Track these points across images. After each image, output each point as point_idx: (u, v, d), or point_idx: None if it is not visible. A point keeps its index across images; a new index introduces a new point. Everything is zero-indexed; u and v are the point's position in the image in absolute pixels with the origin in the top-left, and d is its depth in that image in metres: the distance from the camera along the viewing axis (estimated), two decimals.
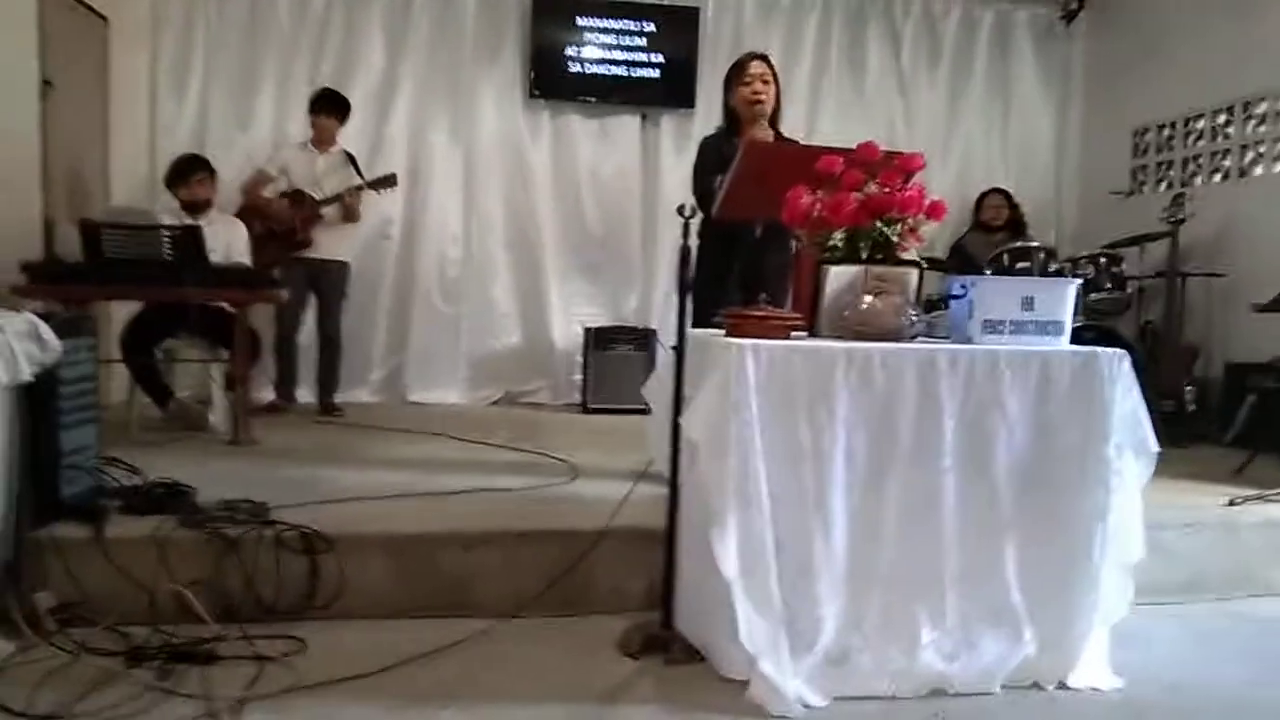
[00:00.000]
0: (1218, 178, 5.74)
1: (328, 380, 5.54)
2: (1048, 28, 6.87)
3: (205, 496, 2.99)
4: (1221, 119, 5.70)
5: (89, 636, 2.47)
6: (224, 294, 4.30)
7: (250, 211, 5.31)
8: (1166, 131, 6.12)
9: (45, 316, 2.78)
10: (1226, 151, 5.67)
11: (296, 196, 5.34)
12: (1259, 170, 5.46)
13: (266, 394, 5.53)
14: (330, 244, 5.42)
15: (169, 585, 2.60)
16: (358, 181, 5.36)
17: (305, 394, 5.64)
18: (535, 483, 3.54)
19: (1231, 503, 3.48)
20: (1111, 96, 6.61)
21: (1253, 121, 5.49)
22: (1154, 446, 2.44)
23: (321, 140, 5.47)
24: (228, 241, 4.81)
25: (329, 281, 5.46)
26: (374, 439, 4.68)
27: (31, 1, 4.71)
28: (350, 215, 5.39)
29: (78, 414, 2.92)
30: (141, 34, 5.93)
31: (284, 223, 5.27)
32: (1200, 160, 5.85)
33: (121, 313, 4.91)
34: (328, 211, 5.33)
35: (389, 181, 5.43)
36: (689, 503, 2.50)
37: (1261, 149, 5.43)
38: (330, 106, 5.45)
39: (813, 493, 2.33)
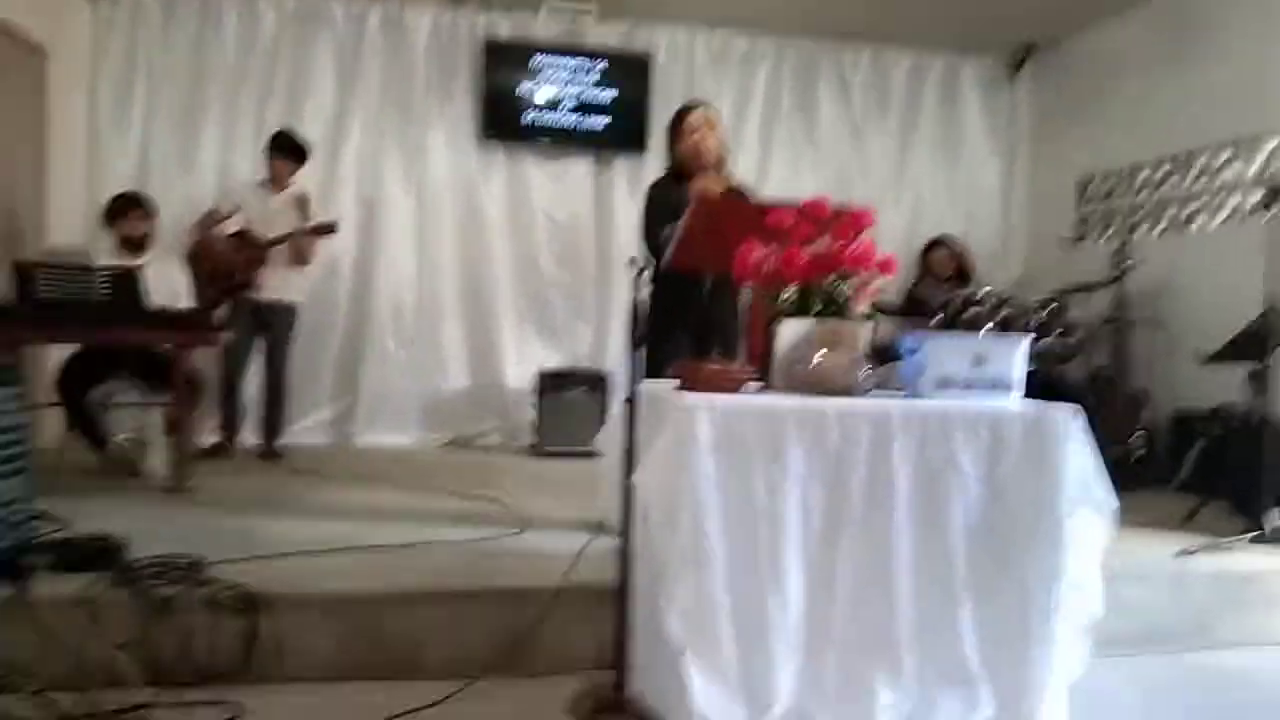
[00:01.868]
0: (1161, 228, 5.86)
1: (272, 424, 5.43)
2: (994, 77, 7.01)
3: (139, 549, 2.87)
4: (1163, 171, 5.84)
5: (12, 704, 2.35)
6: (163, 336, 4.18)
7: (200, 250, 5.21)
8: (1111, 181, 6.26)
9: None
10: (1169, 203, 5.80)
11: (241, 238, 5.25)
12: (1200, 222, 5.58)
13: (210, 437, 5.38)
14: (279, 286, 5.33)
15: (99, 648, 2.48)
16: (302, 225, 5.27)
17: (251, 435, 5.50)
18: (484, 534, 3.46)
19: (1182, 553, 3.50)
20: (1057, 145, 6.76)
21: (1192, 174, 5.63)
22: (1112, 503, 2.44)
23: (276, 181, 5.38)
24: (169, 280, 4.70)
25: (276, 324, 5.36)
26: (317, 485, 4.56)
27: None
28: (299, 259, 5.31)
29: (5, 465, 2.80)
30: (81, 67, 5.82)
31: (227, 264, 5.16)
32: (1144, 210, 5.98)
33: (56, 356, 4.76)
34: (275, 253, 5.24)
35: (327, 229, 5.34)
36: (643, 561, 2.45)
37: (1202, 201, 5.55)
38: (286, 150, 5.38)
39: (767, 552, 2.29)
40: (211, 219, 5.30)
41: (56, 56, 5.52)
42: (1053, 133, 6.82)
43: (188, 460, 4.24)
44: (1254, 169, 5.19)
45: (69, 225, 5.63)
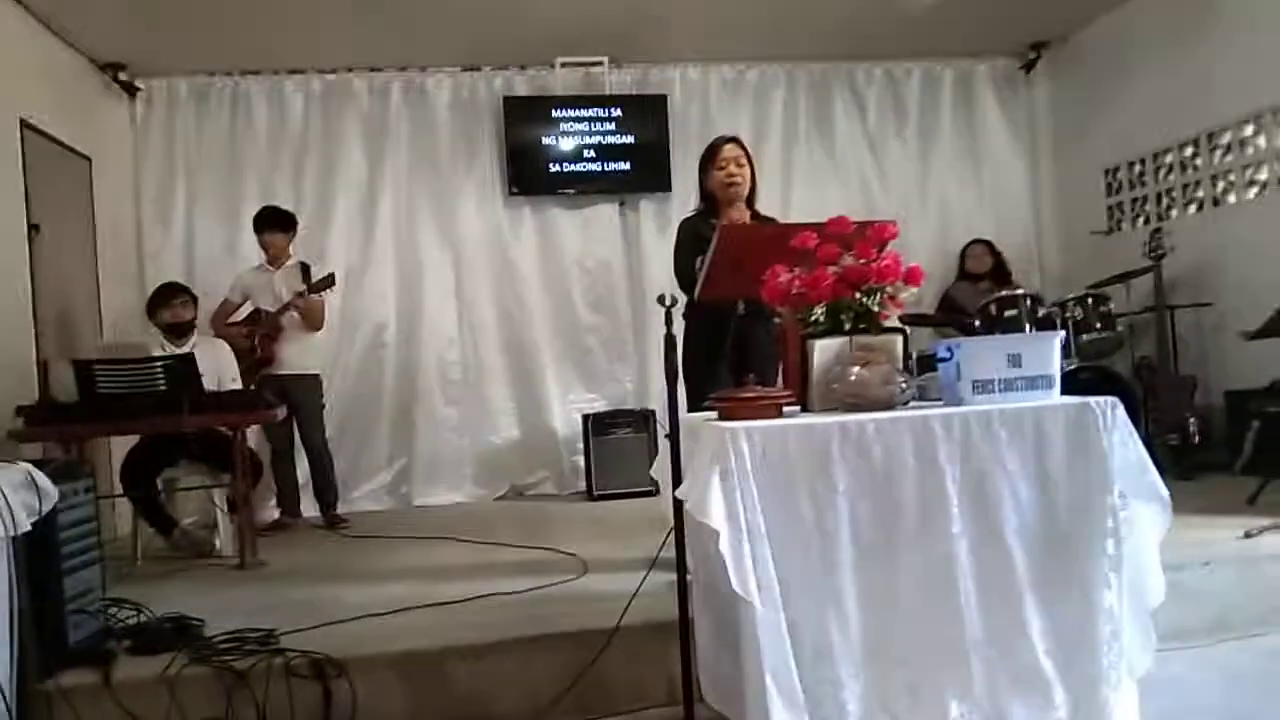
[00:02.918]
0: (1193, 209, 5.81)
1: (324, 492, 5.55)
2: (1009, 77, 7.02)
3: (214, 627, 2.96)
4: (1189, 151, 5.80)
5: None
6: (221, 418, 4.31)
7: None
8: (1137, 168, 6.22)
9: (40, 463, 2.78)
10: (1198, 183, 5.75)
11: (253, 316, 5.43)
12: (1231, 199, 5.53)
13: (271, 513, 5.51)
14: (296, 358, 5.45)
15: None
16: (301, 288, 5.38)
17: (310, 507, 5.62)
18: (545, 582, 3.50)
19: (1247, 534, 3.45)
20: (1079, 138, 6.73)
21: (1219, 151, 5.59)
22: (1164, 493, 2.41)
23: (274, 258, 5.52)
24: (216, 363, 4.85)
25: (302, 395, 5.46)
26: (380, 549, 4.66)
27: (15, 148, 4.83)
28: (309, 321, 5.42)
29: (79, 557, 2.91)
30: (124, 169, 6.10)
31: (243, 344, 5.31)
32: (1174, 193, 5.94)
33: (121, 447, 4.93)
34: (287, 322, 5.38)
35: (327, 282, 5.43)
36: (701, 591, 2.48)
37: (1231, 178, 5.51)
38: (272, 223, 5.50)
39: (821, 572, 2.29)
40: (224, 310, 5.49)
41: (100, 160, 5.79)
42: (1074, 126, 6.80)
43: (253, 537, 4.35)
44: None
45: (121, 318, 5.86)
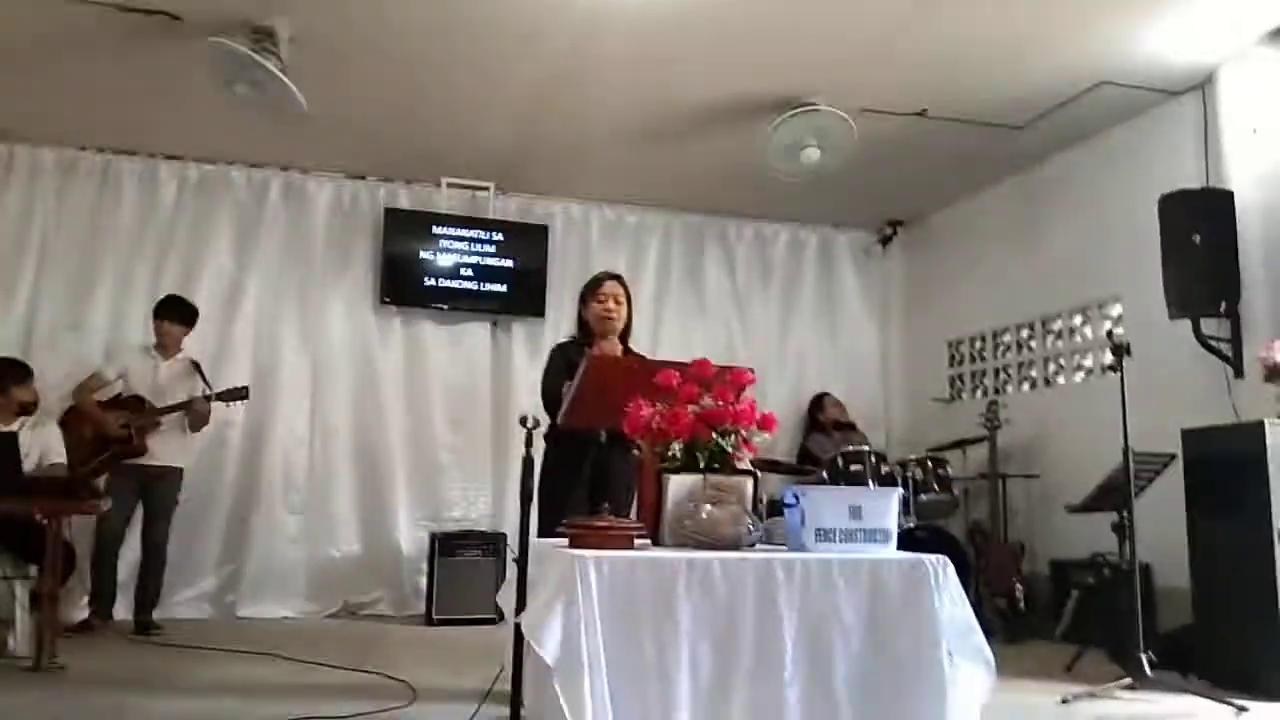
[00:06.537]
0: (1026, 386, 6.26)
1: (147, 595, 5.18)
2: (866, 249, 7.52)
3: None
4: (1025, 333, 6.29)
5: None
6: (37, 504, 4.01)
7: (81, 415, 5.09)
8: (978, 344, 6.69)
9: None
10: (1032, 363, 6.22)
11: (134, 403, 5.14)
12: (1061, 380, 5.99)
13: (80, 612, 5.09)
14: (166, 451, 5.19)
15: None
16: (204, 391, 5.20)
17: (122, 609, 5.22)
18: (371, 708, 3.33)
19: (1064, 700, 3.61)
20: (927, 310, 7.21)
21: (1050, 336, 6.08)
22: (988, 654, 2.52)
23: (166, 347, 5.33)
24: (42, 443, 4.55)
25: (162, 489, 5.20)
26: (196, 660, 4.35)
27: None
28: (197, 424, 5.25)
29: None
30: None
31: (116, 430, 5.03)
32: (1010, 370, 6.40)
33: None
34: (167, 419, 5.14)
35: (239, 394, 5.30)
36: None
37: (1061, 361, 6.00)
38: (177, 313, 5.35)
39: (659, 711, 2.28)
40: (94, 384, 5.20)
41: None
42: (922, 299, 7.30)
43: (53, 636, 4.00)
44: (1103, 330, 5.61)
45: None
